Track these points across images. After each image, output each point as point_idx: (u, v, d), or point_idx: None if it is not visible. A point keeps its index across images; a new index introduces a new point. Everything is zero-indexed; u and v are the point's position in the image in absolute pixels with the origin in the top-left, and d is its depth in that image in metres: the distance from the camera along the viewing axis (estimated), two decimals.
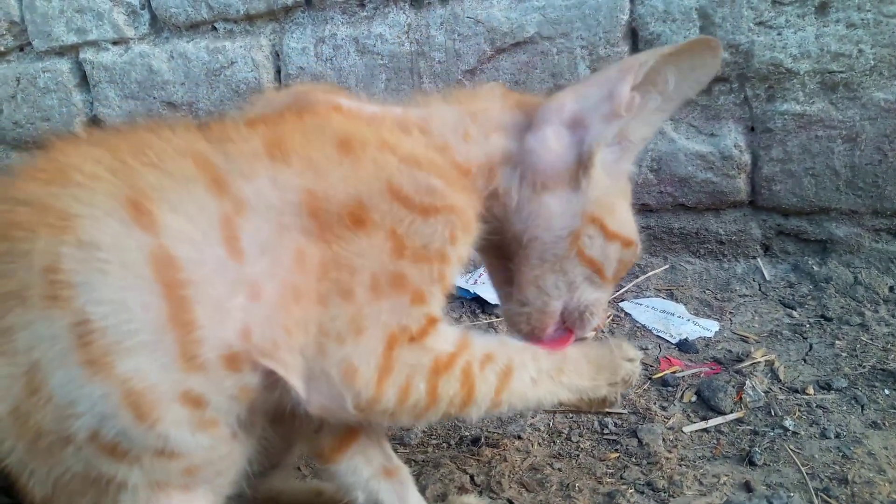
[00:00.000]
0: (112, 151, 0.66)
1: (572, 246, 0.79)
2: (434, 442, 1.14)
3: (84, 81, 2.04)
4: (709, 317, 1.48)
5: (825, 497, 0.92)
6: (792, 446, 1.03)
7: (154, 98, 1.93)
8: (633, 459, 1.04)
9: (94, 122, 2.07)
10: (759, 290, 1.56)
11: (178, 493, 0.69)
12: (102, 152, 0.66)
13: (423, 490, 0.99)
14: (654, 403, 1.18)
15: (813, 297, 1.49)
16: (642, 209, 1.64)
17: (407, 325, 0.67)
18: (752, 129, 1.50)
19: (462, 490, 0.99)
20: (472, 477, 1.02)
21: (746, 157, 1.52)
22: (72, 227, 0.61)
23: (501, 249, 0.84)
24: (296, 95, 0.79)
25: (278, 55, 1.81)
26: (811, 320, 1.41)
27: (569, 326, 0.86)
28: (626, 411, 1.16)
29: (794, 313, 1.45)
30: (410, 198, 0.69)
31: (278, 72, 1.83)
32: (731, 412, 1.13)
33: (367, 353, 0.65)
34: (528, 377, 0.74)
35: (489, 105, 0.81)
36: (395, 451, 1.10)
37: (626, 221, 0.82)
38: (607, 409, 1.06)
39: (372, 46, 1.69)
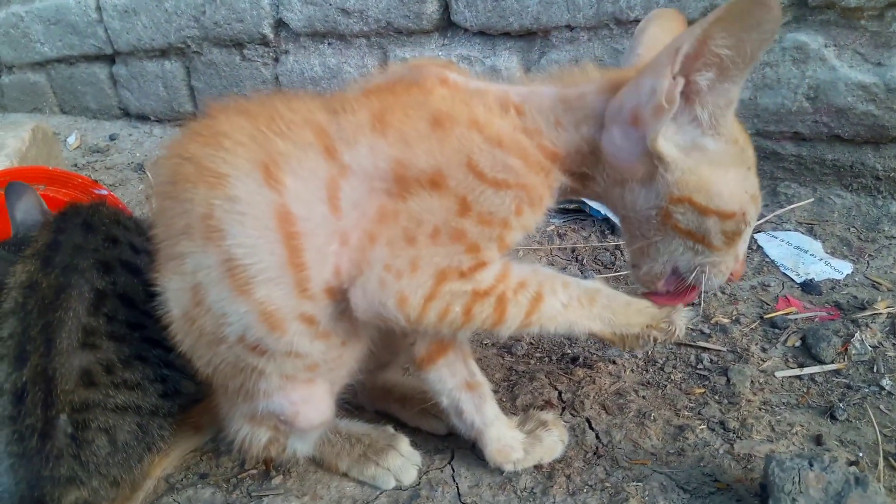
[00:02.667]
0: (253, 120, 0.82)
1: (665, 222, 0.82)
2: (538, 355, 1.28)
3: None
4: (845, 257, 1.44)
5: (893, 462, 0.95)
6: (882, 406, 1.04)
7: (330, 4, 2.09)
8: (716, 397, 1.11)
9: (280, 24, 2.29)
10: None
11: (302, 384, 0.91)
12: (245, 121, 0.82)
13: (514, 399, 1.15)
14: (756, 344, 1.22)
15: None
16: (794, 137, 1.57)
17: (457, 266, 0.79)
18: None
19: (548, 404, 1.13)
20: (560, 393, 1.16)
21: None
22: (221, 184, 0.79)
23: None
24: (413, 67, 0.89)
25: None
26: None
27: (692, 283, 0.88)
28: (724, 348, 1.22)
29: None
30: (485, 173, 0.78)
31: None
32: (832, 362, 1.15)
33: (416, 286, 0.79)
34: (558, 303, 0.84)
35: (584, 90, 0.84)
36: (502, 357, 1.27)
37: (723, 194, 0.79)
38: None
39: None
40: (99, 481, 0.97)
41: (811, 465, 0.85)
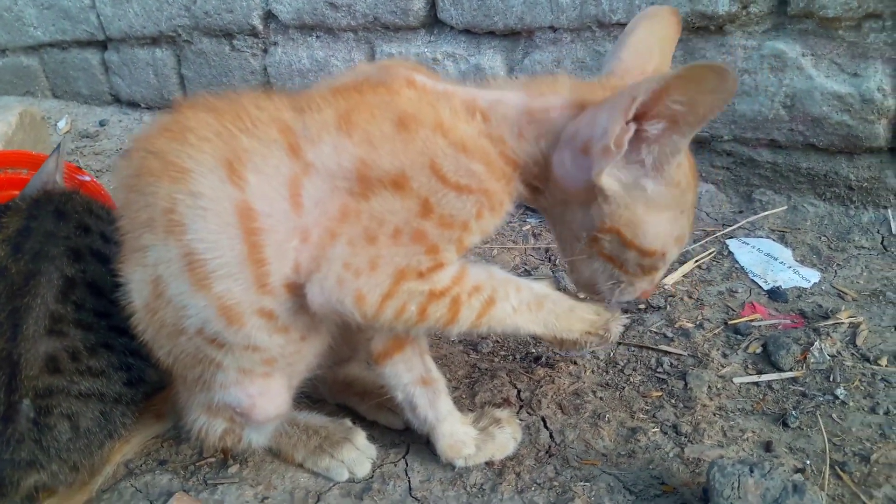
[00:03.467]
0: (219, 117, 0.83)
1: (592, 244, 0.87)
2: (502, 353, 1.29)
3: None
4: (814, 266, 1.45)
5: (839, 471, 0.96)
6: (834, 415, 1.06)
7: None
8: (673, 401, 1.12)
9: (269, 15, 2.29)
10: (881, 243, 1.48)
11: (260, 377, 0.92)
12: (212, 117, 0.83)
13: (473, 396, 1.17)
14: (718, 350, 1.23)
15: None
16: (771, 144, 1.58)
17: (416, 266, 0.80)
18: None
19: (506, 402, 1.14)
20: (518, 391, 1.17)
21: (890, 102, 1.40)
22: (184, 179, 0.80)
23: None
24: (381, 67, 0.90)
25: None
26: None
27: None
28: (685, 353, 1.23)
29: None
30: (448, 177, 0.79)
31: None
32: (790, 370, 1.16)
33: (375, 285, 0.80)
34: (509, 307, 0.86)
35: (550, 104, 0.85)
36: (467, 354, 1.28)
37: (650, 234, 0.84)
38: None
39: None
40: (59, 466, 0.99)
41: (751, 472, 0.87)
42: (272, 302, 0.84)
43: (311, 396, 1.20)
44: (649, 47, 0.91)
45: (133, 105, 2.96)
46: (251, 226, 0.80)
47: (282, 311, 0.85)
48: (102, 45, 2.94)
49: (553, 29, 1.74)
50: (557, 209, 0.89)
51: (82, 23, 2.89)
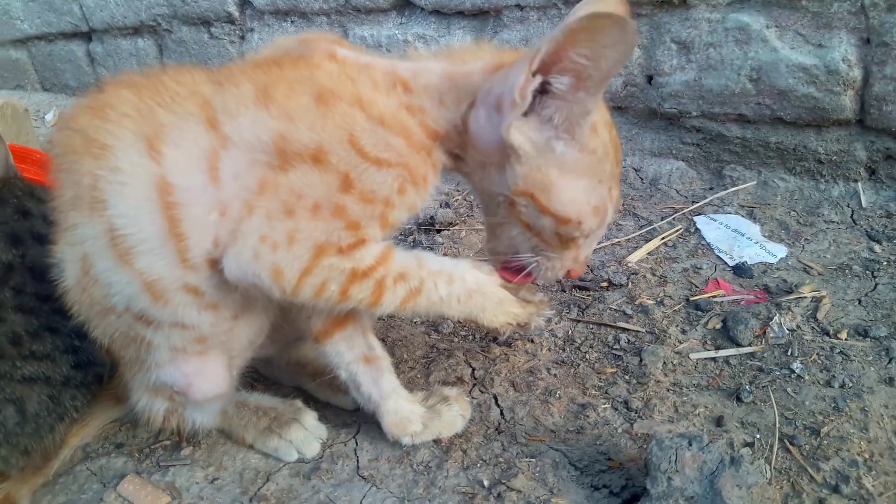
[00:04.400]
0: (139, 93, 0.83)
1: (510, 210, 0.86)
2: (462, 333, 1.28)
3: None
4: (782, 241, 1.44)
5: (788, 444, 0.95)
6: (789, 389, 1.05)
7: None
8: (626, 377, 1.11)
9: (245, 2, 2.28)
10: (850, 217, 1.46)
11: (194, 356, 0.92)
12: (132, 94, 0.83)
13: (427, 375, 1.16)
14: (676, 326, 1.22)
15: None
16: (739, 119, 1.56)
17: (336, 241, 0.80)
18: (868, 41, 1.35)
19: (460, 380, 1.14)
20: (473, 371, 1.17)
21: (856, 73, 1.38)
22: (105, 156, 0.80)
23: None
24: (301, 41, 0.89)
25: None
26: (892, 258, 1.33)
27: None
28: (643, 329, 1.22)
29: (877, 248, 1.36)
30: (367, 151, 0.79)
31: None
32: (749, 345, 1.15)
33: (292, 259, 0.79)
34: (436, 297, 0.86)
35: (472, 69, 0.84)
36: (428, 335, 1.28)
37: (564, 200, 0.83)
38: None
39: None
40: (8, 451, 0.99)
41: (690, 445, 0.86)
42: (196, 278, 0.83)
43: (267, 378, 1.20)
44: None
45: None
46: (169, 200, 0.79)
47: (207, 288, 0.84)
48: (87, 36, 2.94)
49: (520, 7, 1.72)
50: (477, 175, 0.88)
51: (66, 14, 2.89)
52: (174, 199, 0.79)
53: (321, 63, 0.84)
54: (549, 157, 0.81)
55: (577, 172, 0.82)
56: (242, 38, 2.38)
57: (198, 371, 0.92)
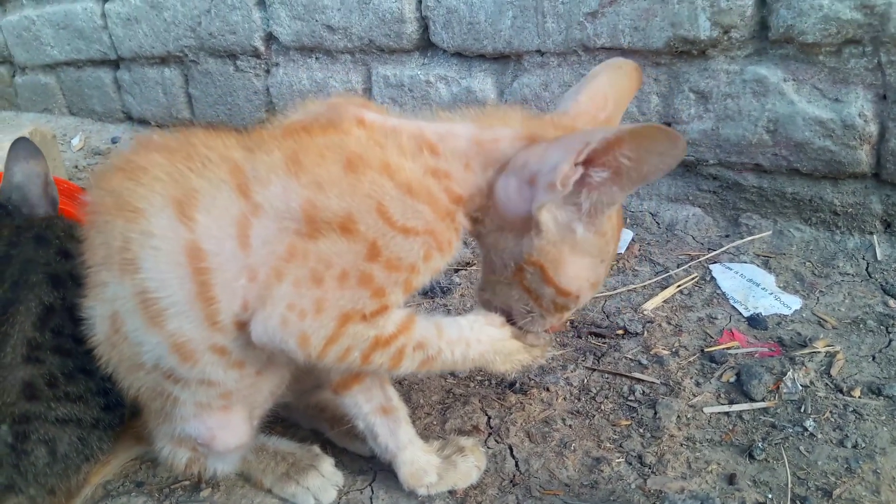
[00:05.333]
0: (171, 156, 0.86)
1: (516, 274, 0.89)
2: (479, 378, 1.30)
3: (262, 1, 2.29)
4: (797, 292, 1.45)
5: None
6: (802, 447, 1.05)
7: (316, 20, 2.13)
8: (640, 431, 1.13)
9: (270, 37, 2.34)
10: (866, 269, 1.47)
11: (218, 410, 0.95)
12: (164, 157, 0.86)
13: (444, 422, 1.18)
14: (691, 378, 1.24)
15: None
16: (756, 168, 1.58)
17: (361, 309, 0.82)
18: (884, 97, 1.37)
19: (476, 429, 1.16)
20: (489, 419, 1.18)
21: (872, 128, 1.39)
22: (137, 219, 0.83)
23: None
24: (330, 106, 0.92)
25: None
26: None
27: None
28: (658, 381, 1.23)
29: (891, 302, 1.37)
30: (395, 220, 0.81)
31: (419, 2, 1.93)
32: (762, 400, 1.16)
33: (319, 327, 0.81)
34: (451, 361, 0.89)
35: (500, 135, 0.87)
36: (444, 379, 1.30)
37: (570, 275, 0.87)
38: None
39: None
40: (36, 490, 1.02)
41: None
42: (224, 338, 0.86)
43: (285, 421, 1.22)
44: (606, 96, 0.94)
45: (144, 123, 3.03)
46: (200, 265, 0.82)
47: (234, 347, 0.87)
48: (115, 64, 3.02)
49: (540, 53, 1.76)
50: (492, 236, 0.91)
51: (95, 42, 2.97)
52: (205, 265, 0.82)
53: (350, 129, 0.86)
54: (567, 235, 0.85)
55: (585, 252, 0.86)
56: (267, 71, 2.43)
57: (222, 425, 0.95)
